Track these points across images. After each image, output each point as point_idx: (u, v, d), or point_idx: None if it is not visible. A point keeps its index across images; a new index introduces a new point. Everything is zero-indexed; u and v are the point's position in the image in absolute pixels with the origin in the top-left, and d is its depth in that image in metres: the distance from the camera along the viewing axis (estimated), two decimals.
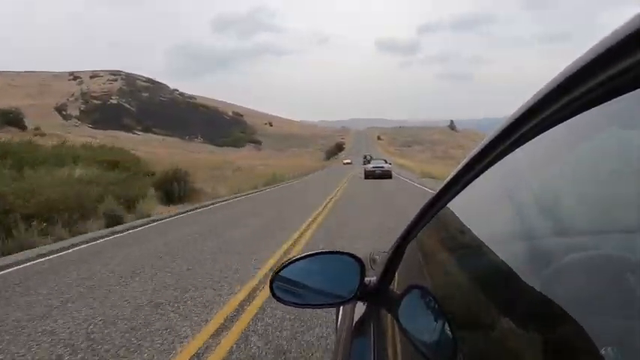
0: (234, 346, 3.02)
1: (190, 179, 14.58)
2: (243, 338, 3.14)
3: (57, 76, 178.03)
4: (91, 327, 3.39)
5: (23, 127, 49.92)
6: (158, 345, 3.05)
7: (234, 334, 3.22)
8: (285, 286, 1.07)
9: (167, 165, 31.17)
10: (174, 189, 12.88)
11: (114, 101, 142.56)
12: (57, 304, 3.97)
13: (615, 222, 0.52)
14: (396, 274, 1.11)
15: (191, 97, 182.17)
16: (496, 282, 0.69)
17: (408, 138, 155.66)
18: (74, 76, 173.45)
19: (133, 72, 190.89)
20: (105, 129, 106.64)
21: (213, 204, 13.13)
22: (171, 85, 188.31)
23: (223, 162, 53.61)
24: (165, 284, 4.58)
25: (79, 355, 2.90)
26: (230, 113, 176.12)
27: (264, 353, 2.89)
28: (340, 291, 1.06)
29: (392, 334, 0.91)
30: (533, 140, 0.55)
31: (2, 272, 5.38)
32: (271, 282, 1.06)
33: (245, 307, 3.82)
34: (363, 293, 1.07)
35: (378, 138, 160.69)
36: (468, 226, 0.88)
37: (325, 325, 3.23)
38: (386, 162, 29.36)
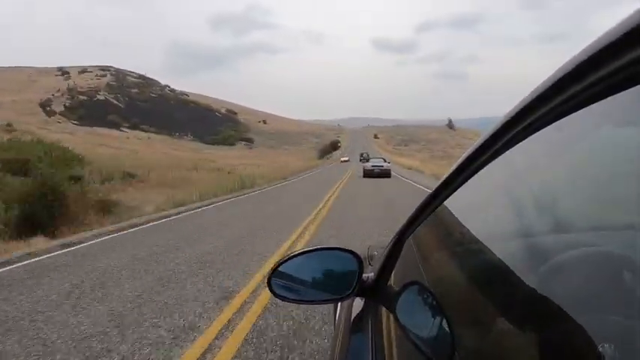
0: None
1: (108, 188, 10.37)
2: None
3: (44, 71, 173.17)
4: None
5: None
6: None
7: None
8: (283, 282, 1.07)
9: (129, 164, 27.20)
10: (44, 207, 8.24)
11: (101, 97, 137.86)
12: None
13: (611, 219, 0.53)
14: (394, 270, 1.11)
15: (183, 93, 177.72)
16: (493, 279, 0.69)
17: (405, 137, 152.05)
18: (62, 72, 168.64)
19: (124, 68, 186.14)
20: (90, 125, 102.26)
21: (80, 243, 7.06)
22: (169, 84, 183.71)
23: (205, 161, 49.60)
24: None
25: None
26: (223, 110, 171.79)
27: None
28: (338, 287, 1.07)
29: (390, 330, 0.92)
30: (529, 138, 0.56)
31: None
32: (269, 278, 1.07)
33: None
34: (361, 289, 1.08)
35: (375, 136, 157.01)
36: (466, 224, 0.89)
37: None
38: (385, 160, 28.24)
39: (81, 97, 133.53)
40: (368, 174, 25.00)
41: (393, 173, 25.78)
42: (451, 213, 0.92)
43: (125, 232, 8.29)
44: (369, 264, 1.47)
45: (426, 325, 0.69)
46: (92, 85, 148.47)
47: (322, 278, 1.09)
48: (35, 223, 7.96)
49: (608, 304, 0.44)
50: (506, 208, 0.77)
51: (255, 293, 4.24)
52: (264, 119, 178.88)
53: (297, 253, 1.09)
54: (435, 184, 0.89)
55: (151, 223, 9.35)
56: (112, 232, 8.20)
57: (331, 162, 67.99)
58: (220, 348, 3.06)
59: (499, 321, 0.61)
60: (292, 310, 3.62)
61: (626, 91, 0.38)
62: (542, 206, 0.66)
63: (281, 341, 3.12)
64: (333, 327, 1.80)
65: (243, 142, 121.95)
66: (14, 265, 5.69)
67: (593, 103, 0.42)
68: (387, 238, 1.35)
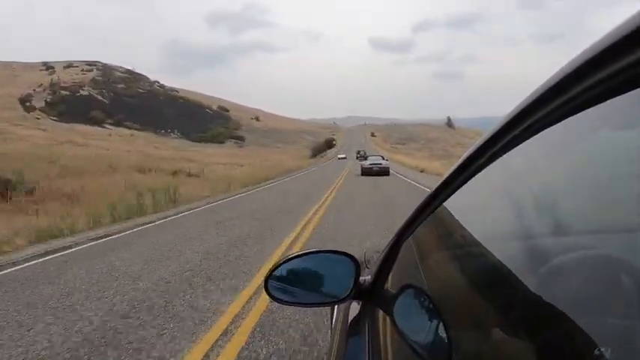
0: None
1: None
2: None
3: (29, 66, 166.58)
4: None
5: None
6: None
7: None
8: (280, 285, 1.07)
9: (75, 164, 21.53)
10: None
11: (85, 92, 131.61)
12: None
13: (611, 222, 0.53)
14: (391, 273, 1.10)
15: (173, 89, 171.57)
16: (492, 281, 0.69)
17: (403, 135, 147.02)
18: (47, 67, 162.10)
19: (111, 62, 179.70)
20: (70, 122, 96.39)
21: None
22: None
23: (180, 160, 43.93)
24: None
25: None
26: (215, 107, 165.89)
27: None
28: (335, 290, 1.07)
29: (387, 333, 0.92)
30: (528, 140, 0.56)
31: None
32: (266, 280, 1.07)
33: None
34: (358, 292, 1.08)
35: (372, 135, 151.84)
36: (464, 226, 0.88)
37: None
38: (383, 158, 27.31)
39: (63, 93, 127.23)
40: (366, 172, 24.03)
41: (405, 179, 21.09)
42: (450, 215, 0.91)
43: None
44: (366, 267, 1.45)
45: (423, 328, 0.68)
46: (76, 80, 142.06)
47: (319, 281, 1.09)
48: None
49: (607, 307, 0.44)
50: (505, 211, 0.76)
51: None
52: (258, 116, 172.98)
53: (293, 255, 1.09)
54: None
55: None
56: None
57: (325, 160, 62.24)
58: None
59: (497, 324, 0.61)
60: None
61: (626, 94, 0.38)
62: (542, 208, 0.65)
63: None
64: (330, 330, 1.79)
65: (234, 140, 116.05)
66: None
67: (593, 105, 0.42)
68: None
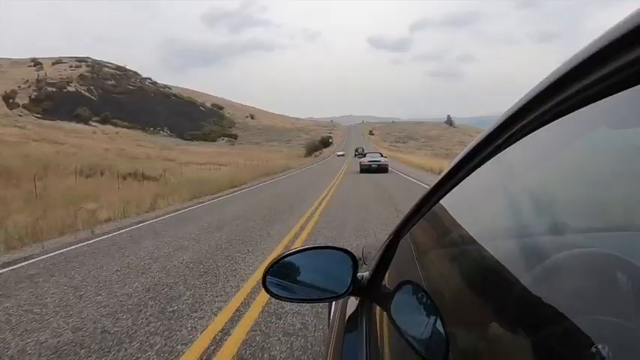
0: None
1: None
2: None
3: (16, 62, 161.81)
4: None
5: None
6: None
7: None
8: (277, 281, 1.07)
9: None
10: None
11: (72, 89, 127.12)
12: None
13: (607, 220, 0.53)
14: (389, 269, 1.11)
15: (166, 86, 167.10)
16: (488, 278, 0.70)
17: (402, 133, 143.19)
18: (35, 63, 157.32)
19: (101, 59, 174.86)
20: (55, 119, 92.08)
21: None
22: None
23: (162, 160, 39.80)
24: None
25: None
26: (208, 105, 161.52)
27: None
28: (333, 286, 1.07)
29: (384, 329, 0.93)
30: (525, 138, 0.56)
31: None
32: (264, 276, 1.06)
33: None
34: (356, 288, 1.08)
35: (370, 133, 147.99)
36: (461, 223, 0.89)
37: None
38: (381, 155, 27.23)
39: (49, 89, 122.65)
40: (365, 169, 23.98)
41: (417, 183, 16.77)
42: (447, 212, 0.92)
43: None
44: (364, 263, 1.45)
45: (420, 324, 0.69)
46: (64, 76, 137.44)
47: (317, 277, 1.09)
48: None
49: (602, 304, 0.45)
50: (502, 208, 0.77)
51: None
52: (253, 114, 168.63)
53: (291, 252, 1.09)
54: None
55: None
56: None
57: (320, 159, 57.79)
58: None
59: (493, 320, 0.61)
60: None
61: (622, 92, 0.38)
62: (538, 207, 0.66)
63: None
64: (327, 326, 1.77)
65: (226, 138, 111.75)
66: None
67: (588, 104, 0.43)
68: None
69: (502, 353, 0.56)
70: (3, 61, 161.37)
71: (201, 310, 3.39)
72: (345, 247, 1.08)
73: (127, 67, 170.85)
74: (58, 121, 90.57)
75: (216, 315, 3.26)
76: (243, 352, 2.64)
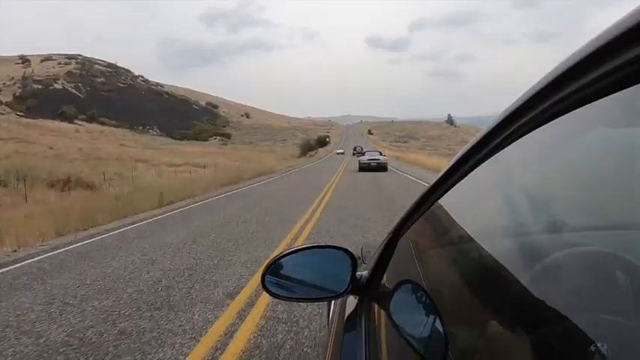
0: None
1: None
2: None
3: (4, 59, 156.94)
4: None
5: None
6: None
7: None
8: (276, 280, 1.07)
9: None
10: None
11: (58, 86, 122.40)
12: None
13: (605, 218, 0.54)
14: (388, 268, 1.11)
15: (158, 84, 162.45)
16: (487, 277, 0.70)
17: (402, 133, 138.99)
18: (23, 60, 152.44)
19: (92, 56, 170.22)
20: (38, 117, 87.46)
21: None
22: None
23: (134, 161, 35.51)
24: None
25: None
26: (202, 103, 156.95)
27: None
28: (332, 285, 1.07)
29: (383, 328, 0.93)
30: (523, 138, 0.56)
31: None
32: (263, 275, 1.06)
33: None
34: (355, 287, 1.08)
35: (369, 132, 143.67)
36: (460, 222, 0.89)
37: None
38: (380, 154, 27.35)
39: (35, 86, 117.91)
40: (364, 167, 23.98)
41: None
42: (446, 212, 0.92)
43: None
44: (363, 262, 1.46)
45: (419, 323, 0.69)
46: (51, 74, 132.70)
47: (316, 276, 1.09)
48: None
49: (601, 302, 0.45)
50: (501, 208, 0.77)
51: None
52: (248, 113, 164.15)
53: (290, 251, 1.08)
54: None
55: None
56: None
57: (315, 159, 53.19)
58: None
59: (492, 319, 0.61)
60: None
61: (620, 92, 0.38)
62: (536, 206, 0.66)
63: None
64: (326, 325, 1.79)
65: (218, 138, 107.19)
66: None
67: (586, 103, 0.43)
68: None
69: (501, 352, 0.56)
70: None
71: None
72: (344, 247, 1.07)
73: (119, 64, 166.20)
74: (41, 119, 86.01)
75: None
76: None
